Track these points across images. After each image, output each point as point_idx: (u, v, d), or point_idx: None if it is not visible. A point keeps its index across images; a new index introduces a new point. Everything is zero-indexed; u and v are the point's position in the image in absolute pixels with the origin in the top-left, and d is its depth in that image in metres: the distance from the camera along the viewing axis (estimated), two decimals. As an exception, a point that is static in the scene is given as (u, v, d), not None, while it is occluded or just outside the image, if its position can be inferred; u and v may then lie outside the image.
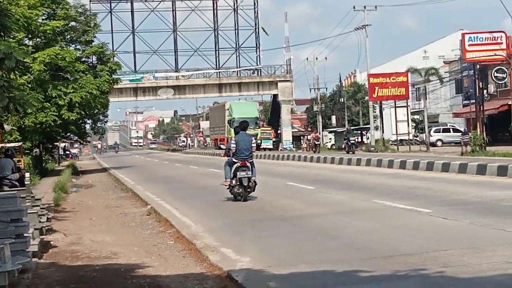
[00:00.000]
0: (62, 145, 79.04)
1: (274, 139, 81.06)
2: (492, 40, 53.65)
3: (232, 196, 20.04)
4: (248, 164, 19.93)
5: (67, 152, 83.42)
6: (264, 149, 74.95)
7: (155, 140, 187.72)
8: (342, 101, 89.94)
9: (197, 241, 13.10)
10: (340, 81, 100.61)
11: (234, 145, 19.98)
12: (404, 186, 21.49)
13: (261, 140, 74.82)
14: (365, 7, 67.29)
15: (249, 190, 19.90)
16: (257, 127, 75.93)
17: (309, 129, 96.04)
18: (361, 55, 73.50)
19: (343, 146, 61.18)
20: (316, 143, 62.74)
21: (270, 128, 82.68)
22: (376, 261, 10.00)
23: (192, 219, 16.52)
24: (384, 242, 11.75)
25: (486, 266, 9.22)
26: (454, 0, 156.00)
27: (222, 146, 79.08)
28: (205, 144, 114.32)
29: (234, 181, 19.98)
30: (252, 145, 19.83)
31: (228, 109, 78.21)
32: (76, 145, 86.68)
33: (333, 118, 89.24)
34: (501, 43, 53.58)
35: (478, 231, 12.20)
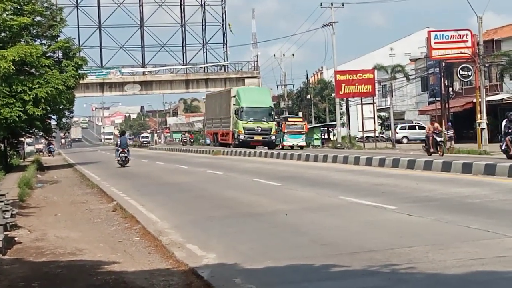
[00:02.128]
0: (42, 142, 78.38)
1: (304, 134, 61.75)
2: (458, 38, 54.04)
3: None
4: (126, 151, 39.37)
5: (50, 148, 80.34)
6: (292, 147, 58.90)
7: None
8: (309, 97, 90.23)
9: (163, 238, 13.06)
10: (307, 77, 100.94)
11: (119, 142, 40.05)
12: (370, 183, 21.58)
13: (282, 136, 59.68)
14: (332, 4, 67.46)
15: (127, 162, 39.46)
16: (271, 119, 58.82)
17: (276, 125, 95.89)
18: (328, 52, 73.74)
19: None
20: (185, 140, 71.32)
21: (300, 120, 64.76)
22: (342, 257, 10.03)
23: (158, 215, 16.47)
24: (350, 238, 11.80)
25: (450, 262, 9.29)
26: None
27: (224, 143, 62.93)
28: (192, 141, 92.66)
29: (119, 158, 39.53)
30: (129, 142, 33.23)
31: (235, 96, 60.34)
32: (41, 141, 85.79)
33: (300, 114, 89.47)
34: (467, 41, 53.99)
35: (443, 228, 12.28)
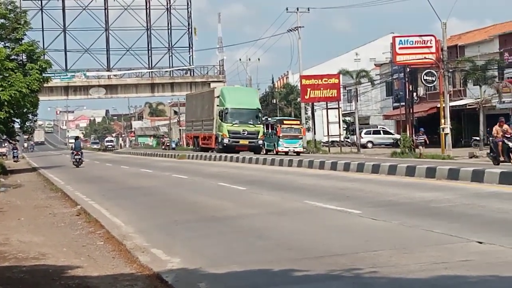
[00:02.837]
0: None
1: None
2: (422, 43, 54.43)
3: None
4: (79, 153, 44.76)
5: (14, 152, 79.05)
6: (286, 153, 52.28)
7: (85, 139, 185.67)
8: (275, 102, 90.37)
9: (127, 242, 12.99)
10: (273, 82, 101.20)
11: (74, 146, 45.40)
12: (335, 187, 21.65)
13: (277, 140, 53.42)
14: (297, 9, 67.71)
15: (80, 163, 44.87)
16: (258, 122, 53.72)
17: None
18: (294, 57, 73.88)
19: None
20: (168, 144, 69.76)
21: (297, 123, 57.15)
22: (306, 262, 10.05)
23: (123, 220, 16.39)
24: (315, 242, 11.82)
25: (414, 266, 9.34)
26: (386, 4, 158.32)
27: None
28: (167, 145, 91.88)
29: (73, 160, 44.54)
30: (82, 146, 34.75)
31: (218, 97, 55.27)
32: (5, 144, 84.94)
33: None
34: (431, 46, 54.40)
35: (407, 232, 12.35)
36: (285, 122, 55.71)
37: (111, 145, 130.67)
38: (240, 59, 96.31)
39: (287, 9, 68.16)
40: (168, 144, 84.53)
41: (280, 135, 53.26)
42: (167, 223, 15.47)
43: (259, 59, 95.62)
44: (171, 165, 41.98)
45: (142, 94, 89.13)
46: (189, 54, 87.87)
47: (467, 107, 59.00)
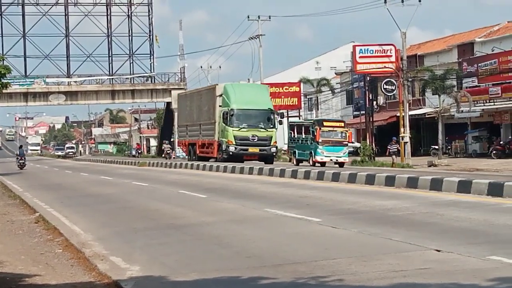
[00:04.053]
0: None
1: (350, 145, 46.75)
2: (382, 52, 54.90)
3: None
4: (23, 158, 52.19)
5: None
6: (323, 164, 41.71)
7: (45, 146, 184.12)
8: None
9: (86, 250, 12.91)
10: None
11: (18, 153, 53.04)
12: (295, 195, 21.70)
13: (315, 148, 42.50)
14: (259, 17, 67.84)
15: (24, 166, 52.11)
16: (271, 126, 44.51)
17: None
18: (255, 65, 74.01)
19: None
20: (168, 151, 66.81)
21: (341, 125, 45.19)
22: (266, 270, 10.06)
23: (82, 227, 16.27)
24: (275, 250, 11.84)
25: (372, 274, 9.40)
26: (347, 13, 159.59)
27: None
28: (139, 152, 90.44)
29: (18, 164, 51.79)
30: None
31: (221, 95, 46.07)
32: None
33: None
34: (391, 55, 54.87)
35: (366, 240, 12.42)
36: (326, 123, 44.85)
37: (72, 152, 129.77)
38: (201, 67, 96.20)
39: (248, 17, 68.30)
40: (168, 152, 75.19)
41: (320, 140, 42.67)
42: (127, 230, 15.40)
43: (220, 67, 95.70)
44: (132, 173, 41.78)
45: (103, 101, 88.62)
46: (150, 61, 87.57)
47: (426, 116, 59.56)
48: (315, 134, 42.96)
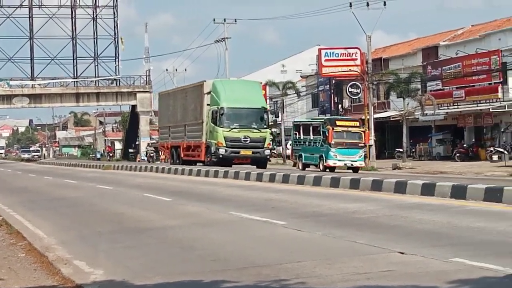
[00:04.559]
0: None
1: (364, 147, 41.28)
2: (347, 56, 55.29)
3: None
4: None
5: None
6: (332, 169, 38.61)
7: (8, 149, 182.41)
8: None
9: (50, 254, 12.80)
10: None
11: None
12: (260, 198, 21.71)
13: (327, 150, 38.86)
14: (225, 20, 67.92)
15: None
16: (264, 126, 41.51)
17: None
18: (221, 67, 73.83)
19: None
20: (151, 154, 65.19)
21: (356, 125, 41.25)
22: (229, 273, 10.05)
23: (45, 231, 16.14)
24: (239, 253, 11.83)
25: (337, 277, 9.43)
26: (312, 16, 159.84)
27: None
28: (110, 155, 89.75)
29: None
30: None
31: (210, 93, 42.40)
32: None
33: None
34: (356, 59, 55.28)
35: (330, 243, 12.46)
36: (339, 123, 40.49)
37: (37, 155, 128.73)
38: (167, 70, 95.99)
39: (214, 20, 68.38)
40: (152, 155, 72.80)
41: (332, 142, 38.83)
42: (91, 234, 15.31)
43: (186, 70, 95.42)
44: (96, 176, 41.53)
45: (67, 104, 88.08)
46: (115, 64, 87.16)
47: (391, 119, 59.94)
48: (327, 135, 39.00)
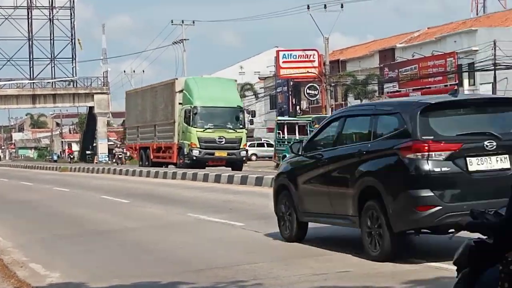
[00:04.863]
0: None
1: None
2: (305, 57, 55.50)
3: None
4: None
5: None
6: None
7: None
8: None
9: (5, 257, 12.67)
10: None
11: None
12: (218, 199, 21.72)
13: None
14: (183, 21, 67.84)
15: None
16: (240, 126, 40.05)
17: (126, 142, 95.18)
18: (179, 69, 73.63)
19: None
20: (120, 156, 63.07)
21: None
22: (187, 275, 10.05)
23: (1, 234, 15.98)
24: (198, 255, 11.84)
25: (294, 278, 9.48)
26: (270, 18, 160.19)
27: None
28: (71, 157, 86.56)
29: None
30: None
31: (182, 91, 40.64)
32: None
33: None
34: (314, 61, 55.46)
35: (288, 244, 12.49)
36: None
37: None
38: (124, 71, 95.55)
39: (172, 22, 68.24)
40: (120, 156, 69.38)
41: None
42: (48, 237, 15.20)
43: (143, 71, 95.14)
44: (53, 178, 41.22)
45: (23, 106, 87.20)
46: (72, 65, 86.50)
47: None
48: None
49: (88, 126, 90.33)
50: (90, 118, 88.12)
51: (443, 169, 9.83)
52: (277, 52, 59.18)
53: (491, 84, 45.32)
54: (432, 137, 9.88)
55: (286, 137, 40.32)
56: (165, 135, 42.61)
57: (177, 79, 42.84)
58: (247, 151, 41.29)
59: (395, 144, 10.19)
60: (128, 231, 15.41)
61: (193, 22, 68.98)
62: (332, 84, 55.93)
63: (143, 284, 9.72)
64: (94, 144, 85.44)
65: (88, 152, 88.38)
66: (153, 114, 45.15)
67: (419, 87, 55.08)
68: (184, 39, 67.96)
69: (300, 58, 56.62)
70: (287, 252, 11.60)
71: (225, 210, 18.33)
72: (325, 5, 52.34)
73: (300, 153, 12.33)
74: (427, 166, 9.79)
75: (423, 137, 9.86)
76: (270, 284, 9.05)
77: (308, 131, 36.75)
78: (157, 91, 45.24)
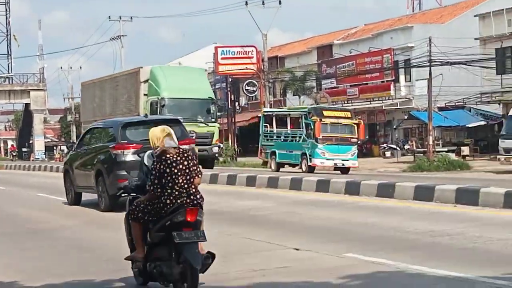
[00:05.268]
0: None
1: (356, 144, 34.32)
2: (244, 54, 55.52)
3: None
4: None
5: None
6: (312, 169, 32.58)
7: None
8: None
9: None
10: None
11: None
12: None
13: (313, 147, 32.43)
14: (120, 17, 67.30)
15: None
16: (212, 119, 36.57)
17: (63, 139, 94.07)
18: (117, 65, 72.91)
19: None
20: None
21: (349, 115, 34.53)
22: (122, 273, 9.92)
23: None
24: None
25: (232, 274, 9.48)
26: (208, 14, 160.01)
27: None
28: (14, 154, 79.81)
29: None
30: None
31: (147, 81, 37.42)
32: None
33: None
34: (252, 57, 55.50)
35: (227, 240, 12.49)
36: (326, 113, 33.68)
37: None
38: (61, 67, 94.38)
39: (109, 18, 67.65)
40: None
41: (320, 137, 32.40)
42: (-18, 236, 14.93)
43: (80, 67, 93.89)
44: (-12, 176, 40.51)
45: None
46: (8, 61, 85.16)
47: (288, 116, 60.42)
48: (313, 127, 32.50)
49: (24, 123, 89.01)
50: (26, 115, 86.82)
51: (131, 159, 17.12)
52: (216, 48, 59.09)
53: (426, 80, 45.84)
54: (126, 141, 17.64)
55: (275, 131, 36.27)
56: None
57: (142, 67, 39.18)
58: (219, 147, 38.50)
59: (110, 145, 17.96)
60: (64, 229, 15.24)
61: (131, 18, 68.54)
62: (271, 81, 56.08)
63: (78, 282, 9.63)
64: (31, 142, 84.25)
65: (24, 149, 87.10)
66: (113, 106, 42.03)
67: (357, 83, 55.57)
68: (122, 35, 67.47)
69: (239, 54, 56.59)
70: (226, 248, 11.55)
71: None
72: (263, 1, 52.40)
73: (74, 149, 20.85)
74: (124, 158, 17.47)
75: (121, 141, 17.60)
76: (209, 280, 9.02)
77: (303, 124, 33.59)
78: (119, 81, 42.28)
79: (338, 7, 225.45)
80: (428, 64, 44.44)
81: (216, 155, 36.78)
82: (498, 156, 36.52)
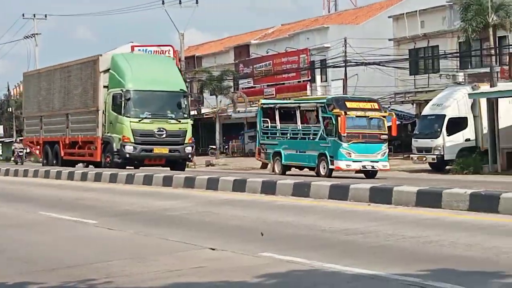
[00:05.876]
0: None
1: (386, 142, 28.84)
2: (161, 53, 55.16)
3: None
4: None
5: None
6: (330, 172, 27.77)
7: None
8: (11, 110, 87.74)
9: None
10: (9, 90, 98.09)
11: None
12: (71, 197, 21.30)
13: (337, 146, 27.23)
14: (34, 15, 66.20)
15: None
16: (185, 115, 32.59)
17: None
18: (31, 64, 71.69)
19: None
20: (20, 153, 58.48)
21: (376, 106, 28.70)
22: (39, 274, 9.79)
23: None
24: (50, 254, 11.58)
25: (147, 275, 9.40)
26: (125, 13, 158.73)
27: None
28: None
29: None
30: None
31: (108, 71, 32.96)
32: None
33: (1, 128, 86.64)
34: (169, 56, 55.15)
35: (142, 241, 12.43)
36: (350, 104, 28.08)
37: None
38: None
39: (23, 15, 66.44)
40: (21, 154, 55.67)
41: (344, 134, 27.23)
42: None
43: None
44: None
45: None
46: None
47: (204, 116, 60.52)
48: (336, 123, 27.28)
49: None
50: None
51: None
52: (132, 47, 58.55)
53: (342, 81, 46.44)
54: None
55: (278, 127, 30.89)
56: (83, 126, 34.71)
57: (101, 55, 34.59)
58: (193, 147, 34.81)
59: None
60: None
61: (46, 16, 67.45)
62: (188, 80, 55.94)
63: (-9, 286, 9.41)
64: None
65: None
66: (64, 100, 37.13)
67: (273, 83, 55.95)
68: (36, 33, 66.35)
69: (156, 53, 56.28)
70: (141, 249, 11.50)
71: (78, 208, 18.01)
72: (180, 1, 52.30)
73: None
74: None
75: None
76: (122, 282, 8.93)
77: (320, 118, 28.35)
78: (71, 71, 36.76)
79: (255, 7, 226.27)
80: (344, 64, 45.02)
81: (189, 156, 33.46)
82: (411, 155, 37.29)
